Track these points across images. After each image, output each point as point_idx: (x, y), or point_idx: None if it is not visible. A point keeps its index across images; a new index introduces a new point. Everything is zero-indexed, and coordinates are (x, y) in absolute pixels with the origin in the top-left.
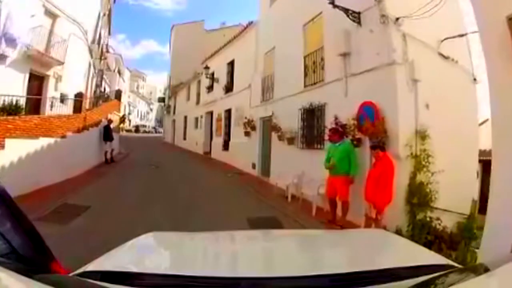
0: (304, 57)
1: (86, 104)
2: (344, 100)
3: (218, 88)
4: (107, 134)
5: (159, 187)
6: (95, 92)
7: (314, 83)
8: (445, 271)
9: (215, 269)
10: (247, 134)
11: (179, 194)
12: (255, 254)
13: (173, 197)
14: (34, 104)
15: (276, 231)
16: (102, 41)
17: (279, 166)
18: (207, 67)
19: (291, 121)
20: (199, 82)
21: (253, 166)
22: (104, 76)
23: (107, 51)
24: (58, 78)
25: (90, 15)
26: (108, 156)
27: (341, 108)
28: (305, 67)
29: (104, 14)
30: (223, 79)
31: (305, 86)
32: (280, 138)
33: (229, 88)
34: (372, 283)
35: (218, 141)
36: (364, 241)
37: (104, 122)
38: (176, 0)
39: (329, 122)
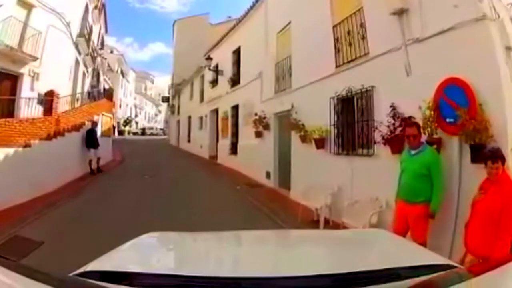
0: (334, 27)
1: (75, 104)
2: (405, 80)
3: (223, 81)
4: (90, 139)
5: (148, 208)
6: (90, 92)
7: (352, 60)
8: (445, 271)
9: (215, 269)
10: (258, 134)
11: (174, 217)
12: (255, 254)
13: (165, 222)
14: (7, 106)
15: (276, 231)
16: (93, 37)
17: (303, 177)
18: (209, 58)
19: (319, 116)
20: (202, 77)
21: (268, 175)
22: (105, 77)
23: (101, 48)
24: (35, 77)
25: (74, 5)
26: (94, 165)
27: (400, 93)
28: (336, 40)
29: (96, 7)
30: (228, 71)
31: (337, 65)
32: (304, 139)
33: (235, 80)
34: (372, 283)
35: (224, 143)
36: (364, 241)
37: (88, 126)
38: (181, 2)
39: (382, 115)
